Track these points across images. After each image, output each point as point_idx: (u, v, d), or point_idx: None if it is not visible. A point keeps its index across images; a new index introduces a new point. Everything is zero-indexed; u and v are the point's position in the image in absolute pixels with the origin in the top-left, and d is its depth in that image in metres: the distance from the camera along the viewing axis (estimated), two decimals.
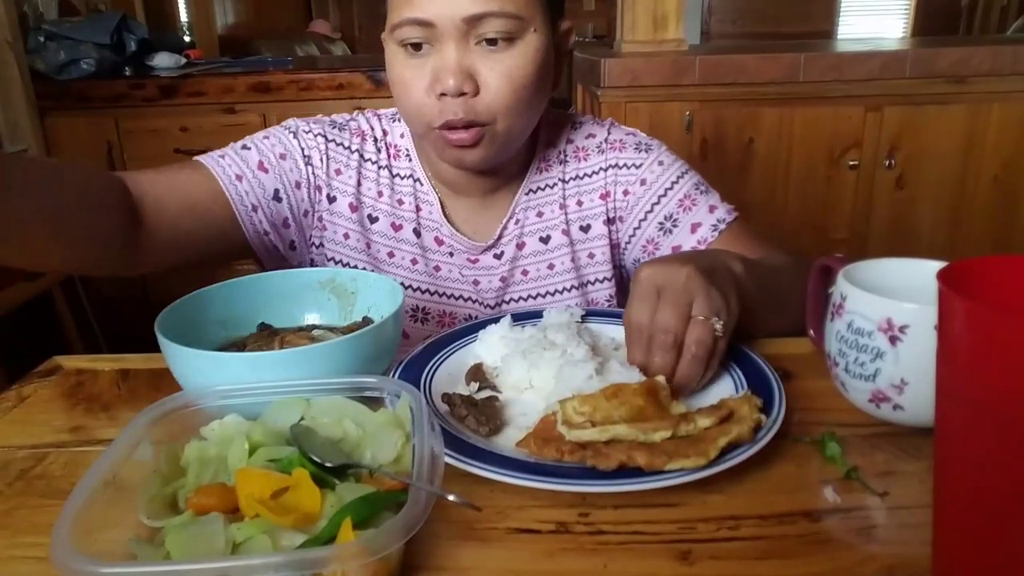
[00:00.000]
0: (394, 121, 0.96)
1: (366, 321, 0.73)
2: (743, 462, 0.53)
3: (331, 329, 0.73)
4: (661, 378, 0.64)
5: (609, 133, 0.95)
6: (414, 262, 0.93)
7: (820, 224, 2.16)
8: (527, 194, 0.93)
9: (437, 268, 0.94)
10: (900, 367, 0.57)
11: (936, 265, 0.56)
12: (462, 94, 0.77)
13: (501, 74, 0.77)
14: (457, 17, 0.75)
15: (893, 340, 0.57)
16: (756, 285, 0.73)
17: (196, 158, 0.87)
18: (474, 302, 0.94)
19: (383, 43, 0.85)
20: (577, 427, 0.54)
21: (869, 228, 2.17)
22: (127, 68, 2.78)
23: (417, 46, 0.77)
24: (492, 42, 0.76)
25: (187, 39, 3.96)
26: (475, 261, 0.94)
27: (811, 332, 0.71)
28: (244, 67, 2.84)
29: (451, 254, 0.93)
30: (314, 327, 0.74)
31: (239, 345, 0.71)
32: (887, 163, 2.09)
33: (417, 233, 0.93)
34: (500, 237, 0.93)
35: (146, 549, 0.45)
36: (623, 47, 2.24)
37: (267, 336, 0.70)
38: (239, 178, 0.86)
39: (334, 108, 2.62)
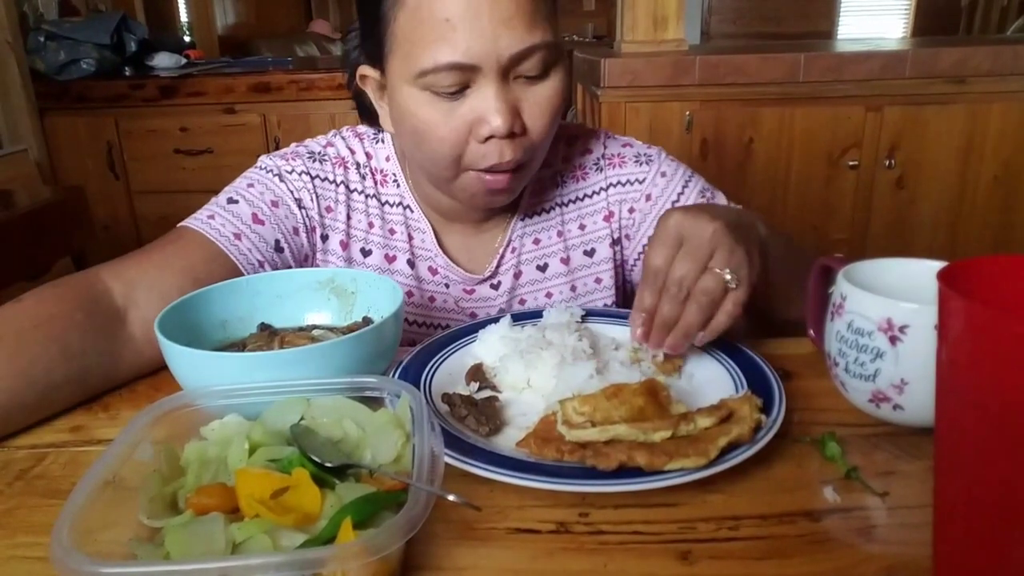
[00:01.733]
0: (377, 143, 0.91)
1: (366, 321, 0.73)
2: (743, 462, 0.53)
3: (331, 329, 0.73)
4: (661, 378, 0.64)
5: (606, 147, 0.92)
6: (409, 295, 0.89)
7: (820, 224, 2.16)
8: (523, 220, 0.90)
9: (432, 299, 0.90)
10: (900, 367, 0.57)
11: (936, 265, 0.56)
12: (511, 135, 0.72)
13: (544, 108, 0.74)
14: (504, 56, 0.69)
15: (893, 340, 0.57)
16: (780, 253, 0.73)
17: (183, 224, 0.82)
18: None
19: (368, 86, 0.80)
20: (577, 427, 0.54)
21: (869, 228, 2.16)
22: (127, 68, 2.78)
23: (453, 92, 0.71)
24: (533, 76, 0.73)
25: (187, 39, 3.97)
26: (471, 292, 0.90)
27: (811, 332, 0.71)
28: (244, 67, 2.84)
29: (446, 285, 0.90)
30: (314, 327, 0.74)
31: (239, 345, 0.71)
32: (887, 163, 2.09)
33: (411, 264, 0.89)
34: (498, 267, 0.90)
35: (146, 549, 0.45)
36: (623, 47, 2.24)
37: (267, 336, 0.70)
38: (238, 237, 0.81)
39: (334, 108, 2.63)
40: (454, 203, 0.85)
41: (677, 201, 0.89)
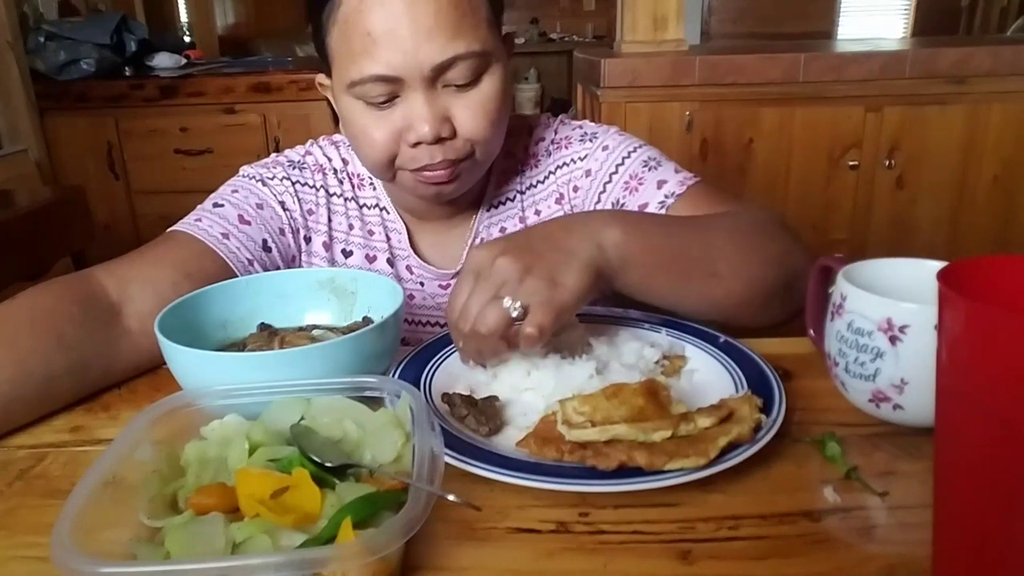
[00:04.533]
0: (353, 148, 0.91)
1: (366, 321, 0.73)
2: (743, 462, 0.53)
3: (331, 329, 0.73)
4: (662, 378, 0.64)
5: (556, 132, 0.93)
6: None
7: (820, 224, 2.16)
8: (488, 211, 0.91)
9: (412, 297, 0.92)
10: (900, 367, 0.57)
11: (936, 265, 0.56)
12: (439, 140, 0.75)
13: (475, 111, 0.76)
14: (425, 68, 0.72)
15: (893, 340, 0.57)
16: (652, 248, 0.67)
17: (172, 229, 0.83)
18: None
19: (327, 92, 0.82)
20: (577, 427, 0.54)
21: (869, 228, 2.16)
22: (127, 68, 2.78)
23: (382, 101, 0.74)
24: (461, 84, 0.74)
25: (187, 39, 3.96)
26: (446, 287, 0.92)
27: (811, 332, 0.70)
28: (244, 67, 2.84)
29: (421, 283, 0.92)
30: (314, 327, 0.74)
31: (239, 345, 0.71)
32: (887, 163, 2.09)
33: (391, 263, 0.91)
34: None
35: (146, 549, 0.45)
36: (623, 47, 2.24)
37: (267, 336, 0.70)
38: (226, 236, 0.82)
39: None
40: (422, 202, 0.87)
41: (615, 173, 0.86)
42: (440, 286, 0.92)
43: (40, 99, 2.52)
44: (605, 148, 0.89)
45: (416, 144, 0.75)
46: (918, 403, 0.57)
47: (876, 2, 6.17)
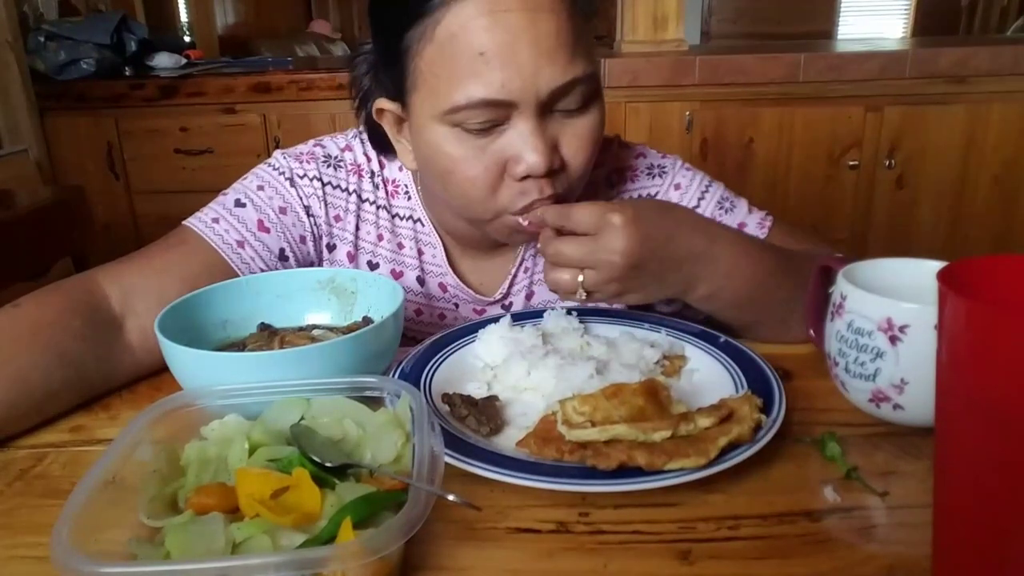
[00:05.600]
0: (392, 154, 0.86)
1: (366, 321, 0.73)
2: (743, 462, 0.53)
3: (331, 329, 0.73)
4: (662, 378, 0.64)
5: (617, 159, 0.87)
6: (418, 312, 0.87)
7: (820, 224, 2.16)
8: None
9: (442, 316, 0.88)
10: (900, 367, 0.57)
11: (936, 265, 0.56)
12: (551, 172, 0.68)
13: (584, 141, 0.70)
14: (543, 92, 0.65)
15: (893, 340, 0.57)
16: (740, 300, 0.71)
17: (186, 223, 0.80)
18: None
19: (388, 121, 0.76)
20: (577, 427, 0.54)
21: (869, 228, 2.17)
22: (127, 68, 2.78)
23: (486, 129, 0.67)
24: (572, 110, 0.68)
25: (187, 39, 3.96)
26: (481, 312, 0.88)
27: (811, 332, 0.70)
28: (244, 67, 2.83)
29: (456, 304, 0.88)
30: (314, 327, 0.74)
31: (239, 345, 0.71)
32: (887, 163, 2.09)
33: (421, 281, 0.86)
34: (510, 288, 0.87)
35: (146, 549, 0.45)
36: (623, 47, 2.24)
37: (267, 336, 0.70)
38: (241, 244, 0.78)
39: (334, 108, 2.62)
40: (470, 228, 0.81)
41: None
42: (475, 310, 0.88)
43: (40, 99, 2.52)
44: (677, 187, 0.86)
45: (524, 178, 0.69)
46: (918, 403, 0.57)
47: (876, 2, 6.17)
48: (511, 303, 0.89)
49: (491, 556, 0.48)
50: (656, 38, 2.21)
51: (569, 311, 0.77)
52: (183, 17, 4.33)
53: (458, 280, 0.87)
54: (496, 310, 0.89)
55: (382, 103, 0.76)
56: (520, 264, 0.87)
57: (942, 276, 0.38)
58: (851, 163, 2.10)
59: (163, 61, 2.81)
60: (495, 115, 0.66)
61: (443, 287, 0.87)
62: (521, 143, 0.67)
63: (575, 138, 0.70)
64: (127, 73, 2.76)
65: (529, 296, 0.89)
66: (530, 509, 0.52)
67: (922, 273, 0.60)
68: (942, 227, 2.15)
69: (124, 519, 0.47)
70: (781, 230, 0.85)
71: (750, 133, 2.07)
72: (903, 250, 0.66)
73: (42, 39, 2.58)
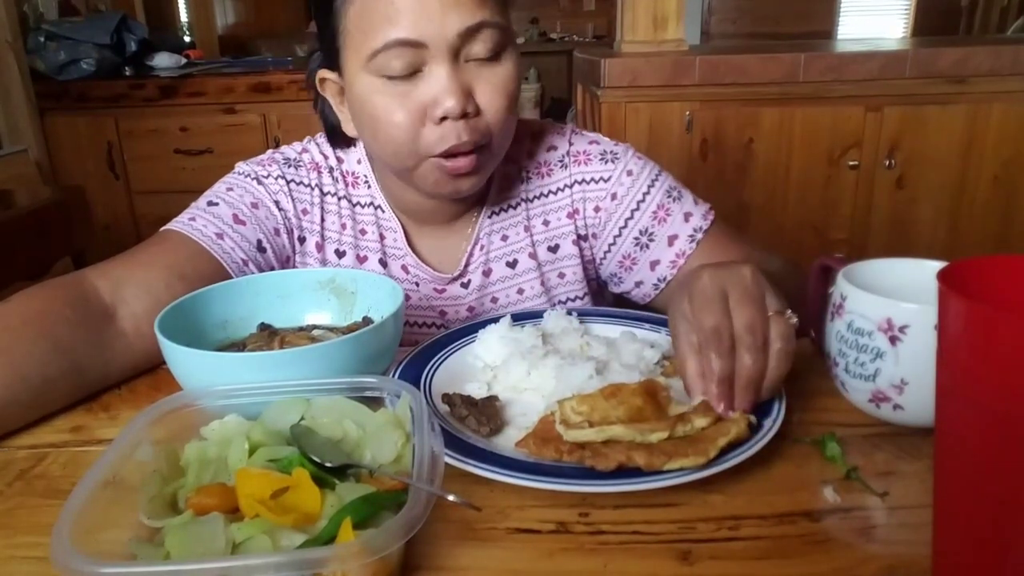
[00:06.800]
0: (348, 147, 0.92)
1: (366, 321, 0.73)
2: (743, 462, 0.53)
3: (331, 329, 0.73)
4: (662, 379, 0.64)
5: (571, 144, 0.91)
6: None
7: (820, 224, 2.16)
8: (490, 217, 0.90)
9: (407, 297, 0.90)
10: (900, 367, 0.57)
11: (936, 265, 0.56)
12: (464, 115, 0.73)
13: (497, 89, 0.75)
14: (451, 33, 0.71)
15: (893, 340, 0.57)
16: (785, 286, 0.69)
17: (166, 227, 0.83)
18: (441, 328, 0.91)
19: (329, 91, 0.82)
20: (575, 427, 0.54)
21: (869, 228, 2.16)
22: (127, 68, 2.78)
23: (404, 75, 0.73)
24: (484, 58, 0.74)
25: (187, 39, 3.96)
26: (442, 291, 0.91)
27: (811, 332, 0.70)
28: (244, 67, 2.84)
29: (417, 284, 0.91)
30: (314, 327, 0.74)
31: (239, 345, 0.71)
32: (887, 163, 2.09)
33: (383, 263, 0.90)
34: (467, 265, 0.90)
35: (146, 549, 0.45)
36: (623, 47, 2.24)
37: (267, 336, 0.70)
38: (220, 236, 0.82)
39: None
40: (422, 201, 0.86)
41: (643, 201, 0.88)
42: (436, 289, 0.91)
43: (40, 99, 2.52)
44: (629, 173, 0.89)
45: (441, 121, 0.73)
46: (918, 403, 0.57)
47: (876, 2, 6.17)
48: (469, 280, 0.91)
49: (491, 556, 0.48)
50: (656, 38, 2.21)
51: (569, 311, 0.77)
52: (183, 17, 4.33)
53: (418, 260, 0.90)
54: (456, 288, 0.91)
55: (324, 73, 0.82)
56: (476, 243, 0.91)
57: (942, 276, 0.38)
58: (851, 163, 2.09)
59: (163, 61, 2.81)
60: (412, 58, 0.72)
61: (405, 268, 0.91)
62: (437, 86, 0.72)
63: (488, 85, 0.75)
64: (127, 73, 2.76)
65: (487, 272, 0.91)
66: (530, 509, 0.52)
67: (922, 273, 0.60)
68: (942, 227, 2.15)
69: (124, 519, 0.47)
70: (721, 232, 0.88)
71: (750, 133, 2.07)
72: (903, 250, 0.66)
73: (42, 39, 2.58)
